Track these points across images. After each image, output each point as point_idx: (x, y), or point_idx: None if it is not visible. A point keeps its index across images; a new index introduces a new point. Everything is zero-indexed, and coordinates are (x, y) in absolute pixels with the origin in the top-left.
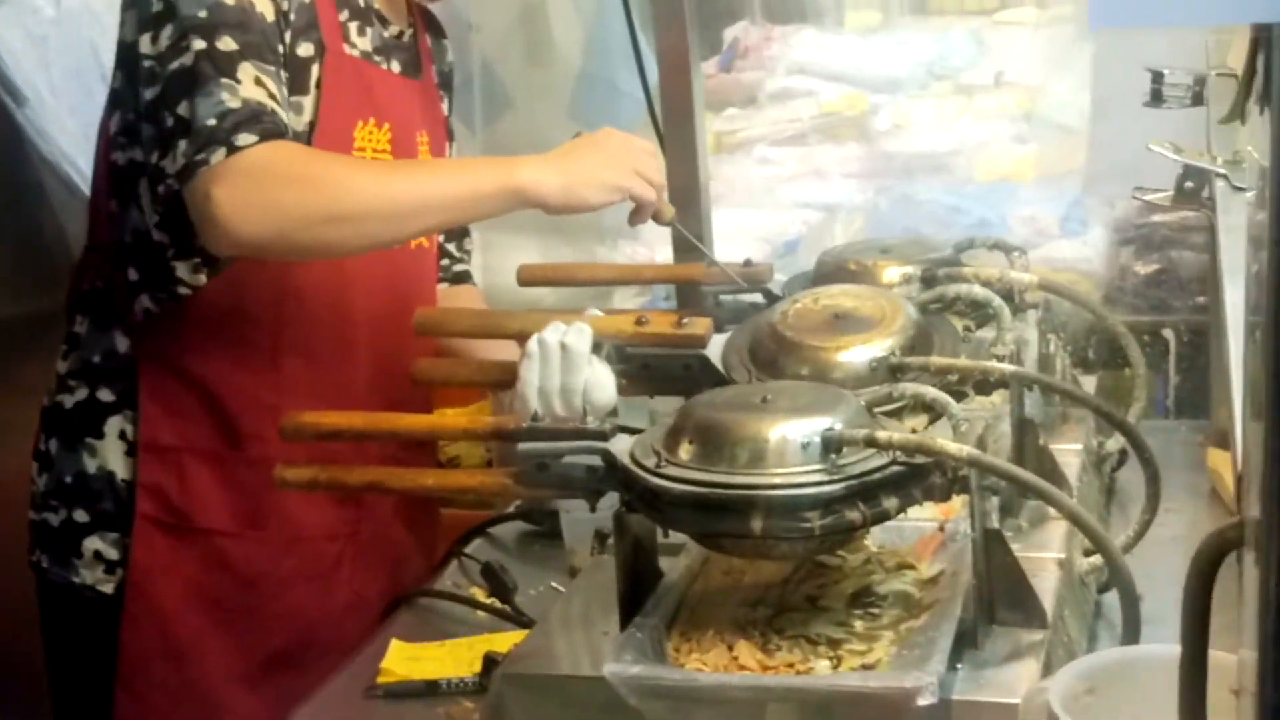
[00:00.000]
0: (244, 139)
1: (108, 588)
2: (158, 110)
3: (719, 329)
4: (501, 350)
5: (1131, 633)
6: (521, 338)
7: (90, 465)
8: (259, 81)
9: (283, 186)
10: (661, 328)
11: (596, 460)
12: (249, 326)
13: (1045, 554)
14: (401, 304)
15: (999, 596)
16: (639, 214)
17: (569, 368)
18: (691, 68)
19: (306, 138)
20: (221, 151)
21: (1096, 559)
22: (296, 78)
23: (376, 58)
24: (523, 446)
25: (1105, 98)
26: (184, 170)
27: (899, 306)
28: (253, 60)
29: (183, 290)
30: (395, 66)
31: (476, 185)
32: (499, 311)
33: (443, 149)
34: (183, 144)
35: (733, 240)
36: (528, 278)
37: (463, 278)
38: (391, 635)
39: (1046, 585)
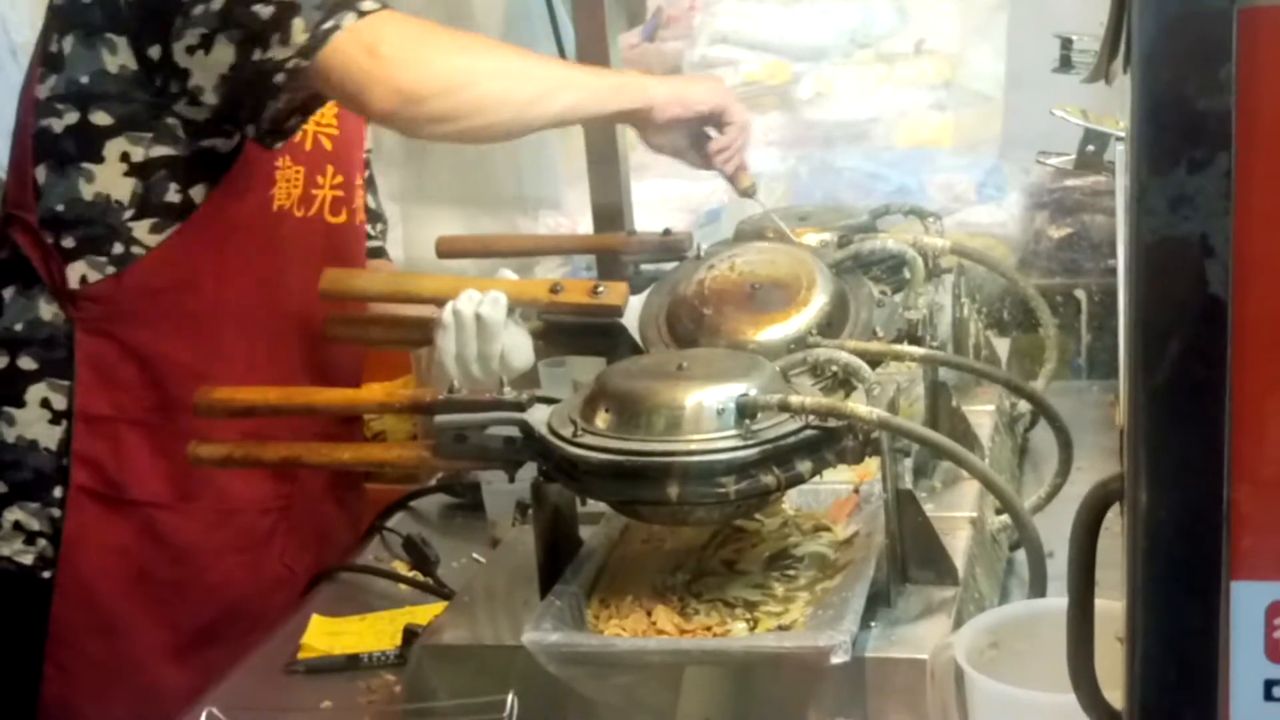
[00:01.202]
0: (367, 4)
1: (26, 559)
2: (236, 9)
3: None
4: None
5: (1039, 588)
6: (435, 302)
7: (9, 435)
8: (124, 157)
9: (444, 39)
10: (577, 296)
11: (514, 430)
12: (187, 295)
13: (958, 513)
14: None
15: (911, 556)
16: (726, 143)
17: (485, 336)
18: (608, 37)
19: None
20: (352, 16)
21: (1008, 518)
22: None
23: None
24: (440, 418)
25: (1019, 65)
26: (312, 42)
27: (814, 274)
28: (127, 133)
29: (136, 250)
30: None
31: (603, 79)
32: (411, 275)
33: (362, 134)
34: (298, 21)
35: (655, 210)
36: (447, 249)
37: (378, 253)
38: (312, 610)
39: (958, 544)
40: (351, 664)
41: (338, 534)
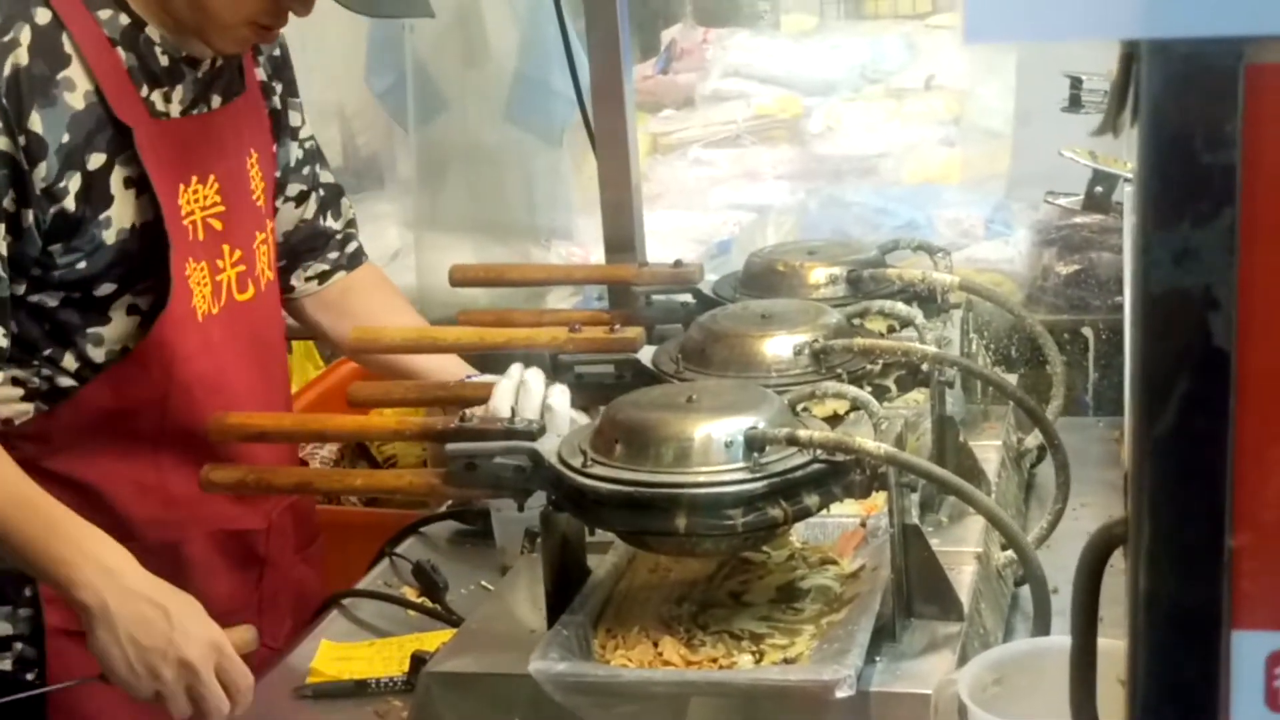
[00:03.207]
0: None
1: (4, 664)
2: None
3: (650, 328)
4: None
5: (1042, 624)
6: (456, 350)
7: None
8: None
9: None
10: (594, 334)
11: (524, 460)
12: (130, 420)
13: (964, 548)
14: (263, 349)
15: (917, 590)
16: None
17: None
18: (623, 69)
19: (132, 234)
20: None
21: (1013, 553)
22: (95, 194)
23: (194, 110)
24: (451, 446)
25: (1028, 103)
26: None
27: (824, 309)
28: None
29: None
30: (216, 100)
31: (29, 555)
32: (435, 328)
33: (270, 151)
34: None
35: (667, 241)
36: (461, 278)
37: (358, 258)
38: (321, 635)
39: (964, 579)
40: (360, 690)
41: (311, 592)
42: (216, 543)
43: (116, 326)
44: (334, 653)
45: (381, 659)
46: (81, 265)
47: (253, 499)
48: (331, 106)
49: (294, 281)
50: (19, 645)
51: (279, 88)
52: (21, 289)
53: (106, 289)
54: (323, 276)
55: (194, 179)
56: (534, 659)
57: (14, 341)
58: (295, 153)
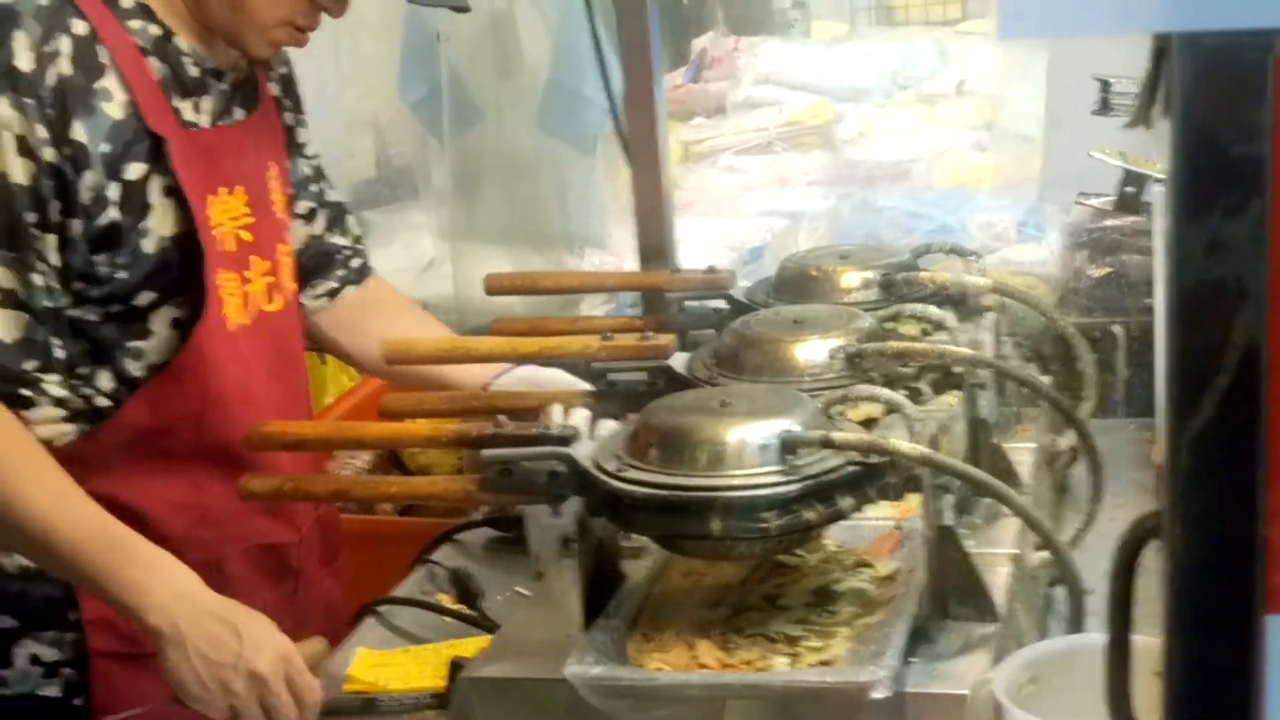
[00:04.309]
0: None
1: (51, 690)
2: None
3: (683, 334)
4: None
5: (1076, 624)
6: (489, 360)
7: (8, 565)
8: None
9: None
10: (627, 342)
11: (559, 465)
12: (167, 437)
13: (998, 550)
14: (287, 361)
15: (952, 592)
16: None
17: None
18: (654, 77)
19: (172, 244)
20: None
21: (1047, 554)
22: (135, 203)
23: (220, 121)
24: (485, 452)
25: (1059, 107)
26: None
27: (856, 313)
28: None
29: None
30: (239, 113)
31: (102, 582)
32: (467, 338)
33: (286, 165)
34: None
35: (700, 248)
36: (495, 286)
37: (365, 271)
38: (359, 643)
39: (999, 580)
40: (368, 708)
41: (337, 606)
42: (253, 557)
43: (156, 339)
44: (371, 659)
45: (418, 666)
46: (123, 275)
47: (285, 513)
48: (366, 117)
49: (304, 299)
50: (66, 670)
51: (289, 104)
52: (68, 301)
53: (146, 298)
54: (332, 294)
55: (222, 189)
56: (570, 663)
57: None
58: (304, 169)
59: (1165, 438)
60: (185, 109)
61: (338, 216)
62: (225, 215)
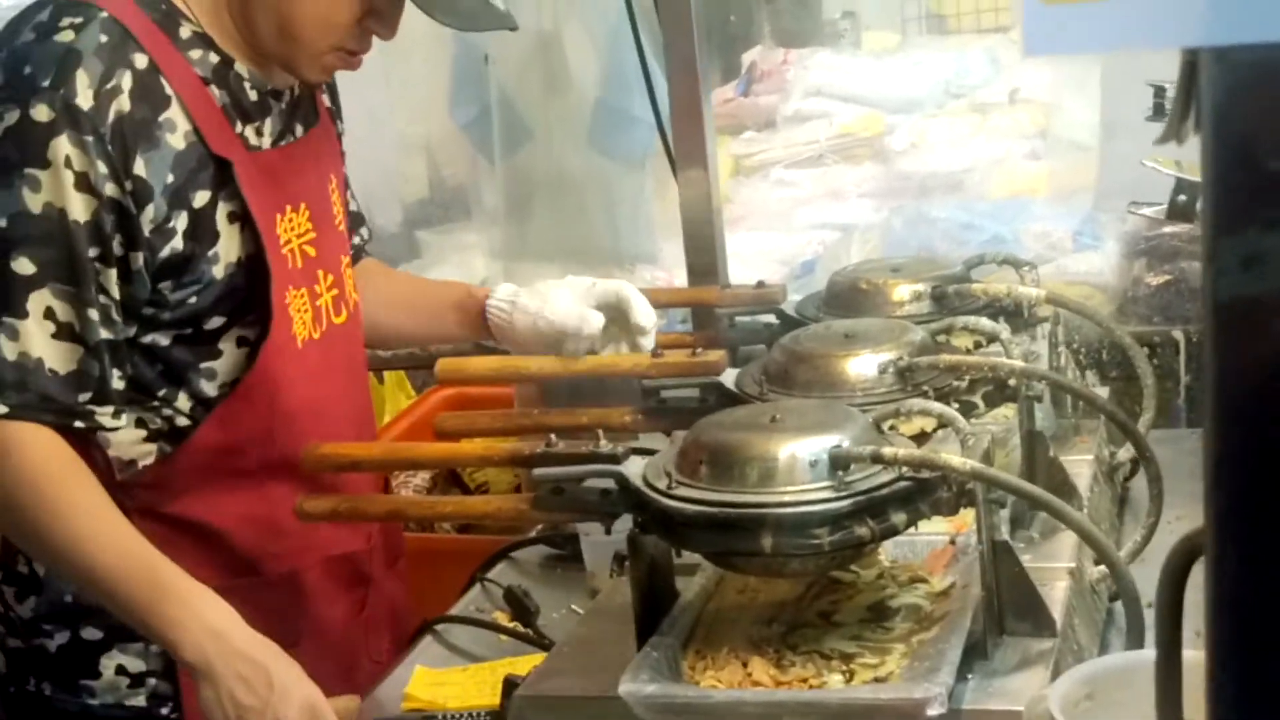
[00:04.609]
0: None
1: (138, 700)
2: None
3: (734, 350)
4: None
5: (1136, 639)
6: (539, 379)
7: None
8: (49, 314)
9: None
10: (677, 358)
11: (610, 483)
12: (240, 456)
13: (1056, 564)
14: (354, 370)
15: (1008, 607)
16: None
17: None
18: (701, 93)
19: (239, 268)
20: None
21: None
22: (203, 231)
23: (281, 141)
24: (537, 471)
25: (1114, 114)
26: None
27: (908, 327)
28: (51, 284)
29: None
30: (299, 130)
31: (139, 615)
32: (517, 358)
33: (344, 176)
34: None
35: (751, 263)
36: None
37: (356, 260)
38: (415, 662)
39: (1056, 595)
40: None
41: (402, 606)
42: (328, 567)
43: (227, 360)
44: (429, 678)
45: (475, 684)
46: (193, 301)
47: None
48: (418, 140)
49: None
50: (152, 681)
51: (335, 110)
52: (132, 331)
53: (216, 322)
54: None
55: (288, 208)
56: (624, 681)
57: (131, 384)
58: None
59: (1205, 455)
60: (249, 133)
61: (351, 227)
62: (292, 233)
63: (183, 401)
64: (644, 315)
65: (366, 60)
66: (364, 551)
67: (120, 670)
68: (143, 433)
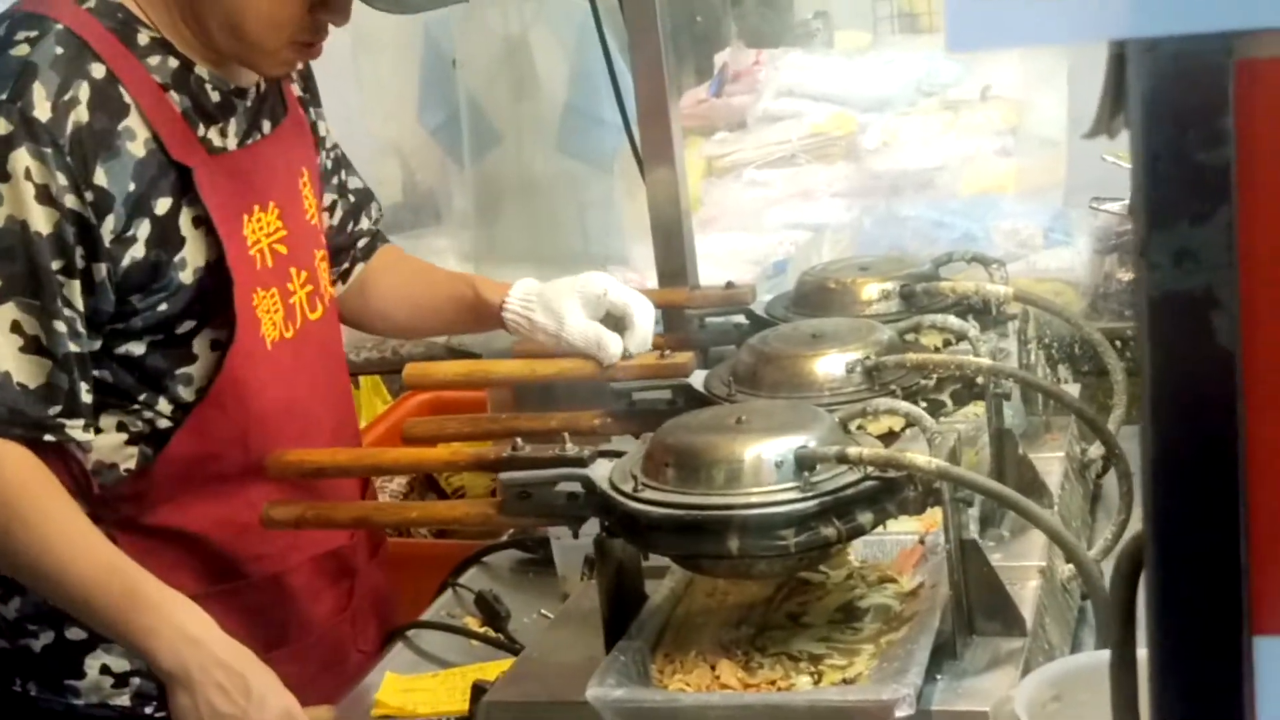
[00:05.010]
0: None
1: (122, 700)
2: None
3: (704, 351)
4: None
5: (1106, 638)
6: (508, 383)
7: None
8: (16, 328)
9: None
10: (645, 360)
11: (577, 486)
12: (217, 462)
13: (1026, 562)
14: (331, 366)
15: (977, 606)
16: None
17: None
18: (668, 94)
19: (208, 271)
20: None
21: None
22: (166, 237)
23: (248, 140)
24: (504, 476)
25: (1081, 110)
26: None
27: (875, 326)
28: (16, 298)
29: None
30: (267, 126)
31: (113, 625)
32: (486, 361)
33: (317, 166)
34: None
35: (723, 263)
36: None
37: (373, 246)
38: (386, 667)
39: (1027, 594)
40: None
41: (386, 593)
42: (315, 564)
43: (202, 364)
44: (399, 684)
45: (446, 690)
46: (163, 308)
47: None
48: (390, 145)
49: None
50: (136, 680)
51: (309, 98)
52: (98, 344)
53: (187, 325)
54: (344, 275)
55: (256, 208)
56: (591, 685)
57: (109, 390)
58: (324, 163)
59: (1141, 453)
60: (213, 135)
61: (359, 205)
62: (261, 233)
63: (163, 405)
64: (637, 342)
65: (338, 65)
66: (348, 547)
67: (104, 670)
68: (124, 436)
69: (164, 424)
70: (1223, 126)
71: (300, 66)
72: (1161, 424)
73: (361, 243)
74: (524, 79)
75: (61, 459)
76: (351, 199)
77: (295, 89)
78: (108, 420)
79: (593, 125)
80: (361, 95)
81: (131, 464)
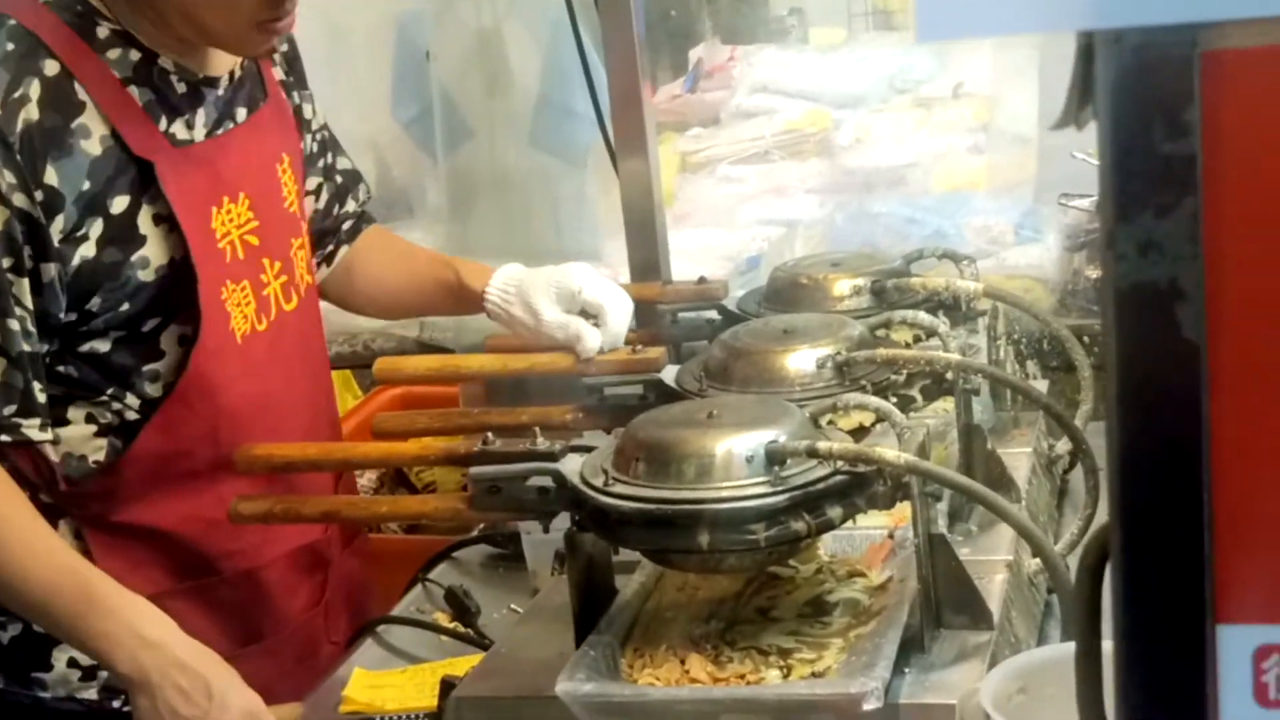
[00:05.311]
0: None
1: (90, 693)
2: None
3: (676, 346)
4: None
5: (1070, 632)
6: (479, 378)
7: None
8: None
9: None
10: (617, 355)
11: (547, 481)
12: (187, 459)
13: (994, 557)
14: (308, 357)
15: (945, 600)
16: None
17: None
18: (641, 89)
19: (171, 268)
20: None
21: None
22: (123, 236)
23: (219, 129)
24: (474, 470)
25: (1053, 107)
26: None
27: (846, 322)
28: None
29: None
30: (242, 113)
31: (71, 630)
32: (457, 356)
33: (299, 151)
34: None
35: (696, 258)
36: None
37: (359, 228)
38: (355, 663)
39: (994, 588)
40: None
41: (361, 581)
42: (290, 559)
43: (169, 360)
44: (367, 680)
45: (414, 685)
46: (125, 307)
47: None
48: (365, 139)
49: None
50: (104, 674)
51: (293, 81)
52: (46, 346)
53: (152, 323)
54: (329, 258)
55: (225, 199)
56: (561, 680)
57: (76, 384)
58: (310, 146)
59: (1107, 444)
60: (177, 128)
61: (346, 188)
62: (231, 224)
63: (131, 400)
64: (610, 339)
65: (313, 60)
66: (323, 540)
67: (72, 663)
68: (93, 428)
69: (133, 416)
70: (1188, 118)
71: (285, 48)
72: (1127, 414)
73: (347, 225)
74: (497, 72)
75: (27, 456)
76: (339, 180)
77: (278, 73)
78: (76, 412)
79: (566, 119)
80: (336, 91)
81: (101, 456)
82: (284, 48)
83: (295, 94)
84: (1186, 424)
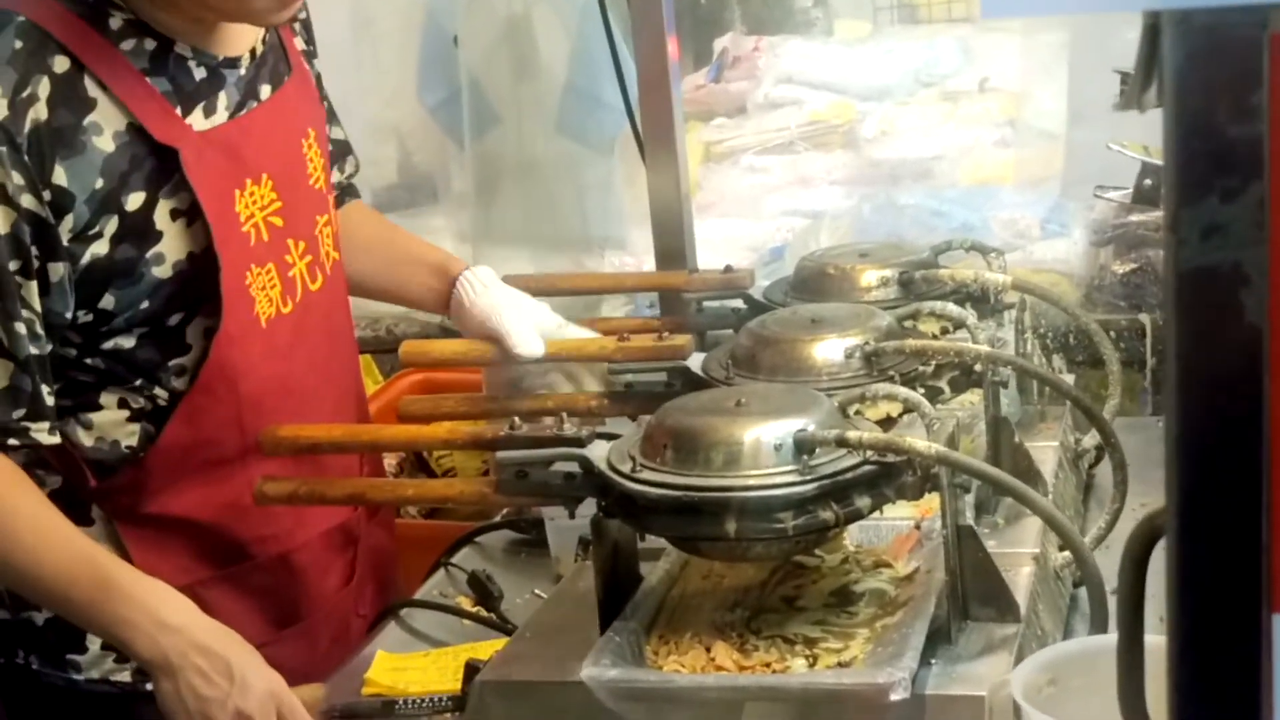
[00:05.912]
0: None
1: (123, 676)
2: None
3: (702, 335)
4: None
5: (1099, 625)
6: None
7: None
8: None
9: None
10: (643, 342)
11: (574, 466)
12: (213, 447)
13: (1020, 549)
14: (334, 335)
15: (972, 592)
16: None
17: None
18: (670, 78)
19: (190, 262)
20: None
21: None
22: (138, 232)
23: (241, 110)
24: (501, 455)
25: (1081, 102)
26: None
27: (874, 312)
28: None
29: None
30: (265, 90)
31: (90, 617)
32: (482, 342)
33: (324, 123)
34: None
35: (721, 249)
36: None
37: (340, 201)
38: (378, 646)
39: (1021, 580)
40: (386, 710)
41: (386, 552)
42: (323, 539)
43: (195, 353)
44: (389, 663)
45: (437, 669)
46: (144, 305)
47: None
48: (389, 124)
49: None
50: None
51: (313, 50)
52: (78, 343)
53: (176, 318)
54: None
55: (248, 182)
56: (586, 665)
57: (105, 374)
58: None
59: (1166, 430)
60: (197, 115)
61: (338, 156)
62: (255, 207)
63: (159, 392)
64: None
65: (340, 44)
66: (353, 519)
67: (106, 645)
68: (125, 413)
69: (164, 403)
70: (1256, 101)
71: (303, 15)
72: (1187, 399)
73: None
74: (525, 59)
75: (55, 452)
76: (330, 148)
77: (299, 43)
78: (109, 397)
79: (593, 107)
80: (360, 77)
81: (134, 440)
82: (303, 14)
83: (314, 63)
84: (1247, 409)
